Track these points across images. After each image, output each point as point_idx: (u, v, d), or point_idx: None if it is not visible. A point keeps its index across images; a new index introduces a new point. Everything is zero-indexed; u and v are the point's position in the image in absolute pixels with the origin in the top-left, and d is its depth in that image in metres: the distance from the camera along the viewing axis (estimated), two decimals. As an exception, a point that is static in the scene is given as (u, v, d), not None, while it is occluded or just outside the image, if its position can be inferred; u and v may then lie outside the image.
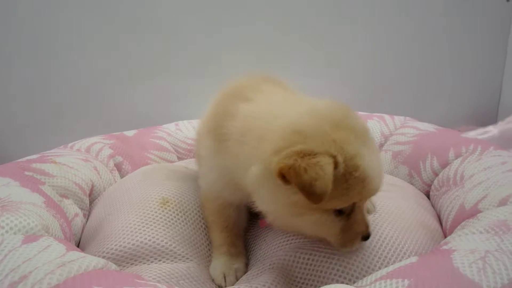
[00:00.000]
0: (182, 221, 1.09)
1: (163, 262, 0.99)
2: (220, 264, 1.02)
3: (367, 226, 0.88)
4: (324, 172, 0.72)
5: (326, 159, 0.74)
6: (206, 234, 1.10)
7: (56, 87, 1.98)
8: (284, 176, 0.74)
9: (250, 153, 0.83)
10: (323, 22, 2.26)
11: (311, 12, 2.22)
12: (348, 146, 0.77)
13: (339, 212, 0.84)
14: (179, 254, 1.01)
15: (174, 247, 1.02)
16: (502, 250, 0.75)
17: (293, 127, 0.79)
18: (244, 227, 1.13)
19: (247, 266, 1.05)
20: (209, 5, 2.07)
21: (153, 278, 0.90)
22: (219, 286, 0.99)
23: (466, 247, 0.79)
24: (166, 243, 1.02)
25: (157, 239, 1.02)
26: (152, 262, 0.98)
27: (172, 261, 1.00)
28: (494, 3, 2.43)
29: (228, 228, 1.06)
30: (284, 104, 0.89)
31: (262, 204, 0.86)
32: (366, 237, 0.88)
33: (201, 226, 1.11)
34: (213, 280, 1.01)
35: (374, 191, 0.83)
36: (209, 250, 1.08)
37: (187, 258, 1.02)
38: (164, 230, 1.05)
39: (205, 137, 1.05)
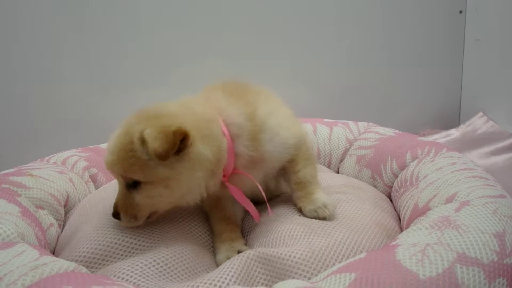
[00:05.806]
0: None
1: (131, 256, 1.01)
2: (223, 249, 1.10)
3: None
4: None
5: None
6: (173, 224, 1.15)
7: (32, 101, 2.02)
8: None
9: None
10: (289, 30, 2.34)
11: (277, 20, 2.30)
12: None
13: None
14: (145, 245, 1.04)
15: (142, 241, 1.05)
16: (441, 242, 0.82)
17: None
18: (242, 217, 1.24)
19: (248, 246, 1.14)
20: (179, 19, 2.14)
21: (126, 274, 0.93)
22: None
23: (410, 241, 0.86)
24: (135, 239, 1.05)
25: (126, 237, 1.05)
26: (122, 259, 1.01)
27: (138, 253, 1.03)
28: (450, 15, 2.59)
29: (226, 217, 1.18)
30: None
31: None
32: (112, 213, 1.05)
33: (169, 217, 1.16)
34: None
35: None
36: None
37: (153, 246, 1.05)
38: (133, 228, 1.08)
39: None
